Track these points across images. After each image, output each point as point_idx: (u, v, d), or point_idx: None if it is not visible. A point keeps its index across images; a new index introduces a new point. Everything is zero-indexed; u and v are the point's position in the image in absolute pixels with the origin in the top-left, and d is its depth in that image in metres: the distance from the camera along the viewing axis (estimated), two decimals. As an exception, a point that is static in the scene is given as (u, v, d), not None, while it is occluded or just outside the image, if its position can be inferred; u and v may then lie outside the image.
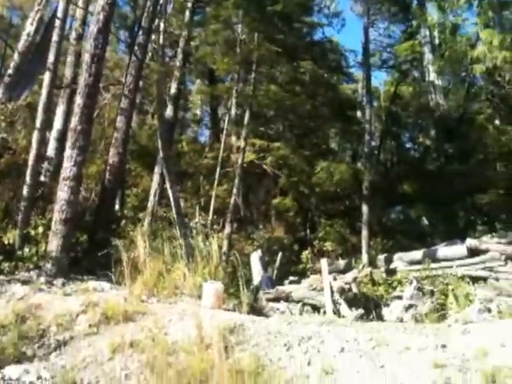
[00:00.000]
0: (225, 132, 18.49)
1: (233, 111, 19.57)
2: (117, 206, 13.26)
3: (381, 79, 34.99)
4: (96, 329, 6.02)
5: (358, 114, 21.45)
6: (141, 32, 11.87)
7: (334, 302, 9.26)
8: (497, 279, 9.81)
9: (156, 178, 14.32)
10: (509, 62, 15.99)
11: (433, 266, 10.73)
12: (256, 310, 8.16)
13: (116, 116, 11.98)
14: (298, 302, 9.90)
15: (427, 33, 20.24)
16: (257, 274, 11.70)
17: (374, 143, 21.88)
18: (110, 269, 7.54)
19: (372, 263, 12.27)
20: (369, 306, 9.44)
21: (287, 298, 9.99)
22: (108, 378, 5.27)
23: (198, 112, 28.88)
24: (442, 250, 11.63)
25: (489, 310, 8.60)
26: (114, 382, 5.20)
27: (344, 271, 11.65)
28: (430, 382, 4.76)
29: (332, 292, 9.42)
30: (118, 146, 11.20)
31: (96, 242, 9.34)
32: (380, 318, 9.25)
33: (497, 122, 18.36)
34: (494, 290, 9.40)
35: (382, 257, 12.73)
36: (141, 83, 14.44)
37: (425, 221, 18.11)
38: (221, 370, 4.95)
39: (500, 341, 5.31)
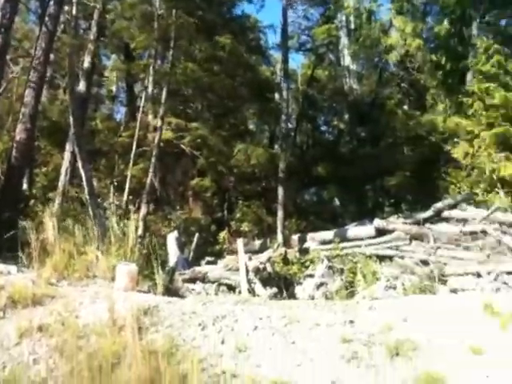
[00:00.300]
0: (141, 110, 17.99)
1: (150, 89, 19.04)
2: (25, 186, 12.59)
3: (299, 62, 35.43)
4: (2, 313, 5.71)
5: (276, 96, 21.64)
6: (52, 2, 11.24)
7: (249, 282, 9.39)
8: (402, 257, 10.37)
9: (67, 156, 13.72)
10: (421, 49, 16.82)
11: (343, 245, 11.15)
12: (171, 291, 8.08)
13: (24, 90, 11.33)
14: (214, 282, 9.95)
15: (343, 18, 20.71)
16: (173, 255, 11.58)
17: (290, 125, 22.24)
18: (17, 251, 7.15)
19: (286, 243, 12.55)
20: (282, 284, 9.67)
21: (203, 279, 10.00)
22: (15, 362, 5.03)
23: (114, 88, 27.88)
24: (352, 230, 12.11)
25: (394, 287, 9.10)
26: (21, 367, 4.97)
27: (259, 251, 11.80)
28: (338, 356, 4.97)
29: (247, 272, 9.55)
30: (26, 121, 10.63)
31: (2, 222, 8.85)
32: (293, 296, 9.52)
33: (405, 107, 19.27)
34: (400, 268, 9.93)
35: (295, 237, 13.04)
36: (52, 56, 13.72)
37: (337, 202, 18.73)
38: (134, 351, 4.87)
39: (403, 316, 5.65)
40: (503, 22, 19.78)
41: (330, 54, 22.13)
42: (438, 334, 5.16)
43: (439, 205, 11.92)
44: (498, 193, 13.19)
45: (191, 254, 12.66)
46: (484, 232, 10.45)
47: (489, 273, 8.72)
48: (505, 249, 9.80)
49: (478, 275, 8.87)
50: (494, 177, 13.97)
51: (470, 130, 15.05)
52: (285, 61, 14.56)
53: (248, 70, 19.22)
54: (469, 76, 16.09)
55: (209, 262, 11.83)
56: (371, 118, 17.99)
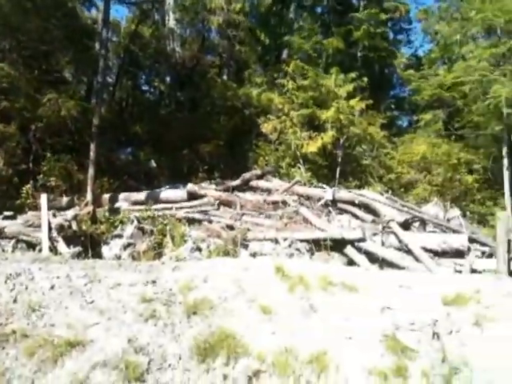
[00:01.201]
0: None
1: None
2: None
3: (123, 14, 33.86)
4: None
5: (97, 46, 20.40)
6: None
7: (52, 240, 8.92)
8: (210, 222, 10.81)
9: None
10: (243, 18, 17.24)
11: (155, 207, 11.20)
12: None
13: None
14: (12, 238, 9.24)
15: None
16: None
17: (110, 80, 21.26)
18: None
19: (96, 202, 12.11)
20: (88, 243, 9.37)
21: (0, 234, 9.23)
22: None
23: None
24: (165, 193, 12.19)
25: (200, 249, 9.47)
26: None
27: (66, 208, 11.23)
28: (137, 315, 5.04)
29: (50, 229, 9.05)
30: None
31: None
32: (99, 255, 9.29)
33: (225, 77, 19.78)
34: (207, 232, 10.33)
35: (107, 196, 12.68)
36: None
37: (153, 163, 18.59)
38: None
39: (204, 277, 5.93)
40: (319, 9, 21.44)
41: (156, 13, 21.52)
42: (232, 294, 5.55)
43: (248, 175, 12.67)
44: (299, 168, 14.41)
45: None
46: (284, 202, 11.41)
47: (285, 239, 9.55)
48: (301, 219, 10.84)
49: (276, 241, 9.66)
50: (298, 153, 15.24)
51: (282, 107, 16.12)
52: (106, 10, 13.72)
53: (66, 12, 17.70)
54: (284, 55, 17.09)
55: (7, 217, 10.88)
56: (191, 83, 18.09)
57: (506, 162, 14.05)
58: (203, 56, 20.13)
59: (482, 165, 16.27)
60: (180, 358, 4.72)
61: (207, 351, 4.73)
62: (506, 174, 13.89)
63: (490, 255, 8.97)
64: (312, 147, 15.04)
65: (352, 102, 15.53)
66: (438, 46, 20.17)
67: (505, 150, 14.35)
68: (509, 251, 7.86)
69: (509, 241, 8.07)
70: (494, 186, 15.35)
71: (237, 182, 12.51)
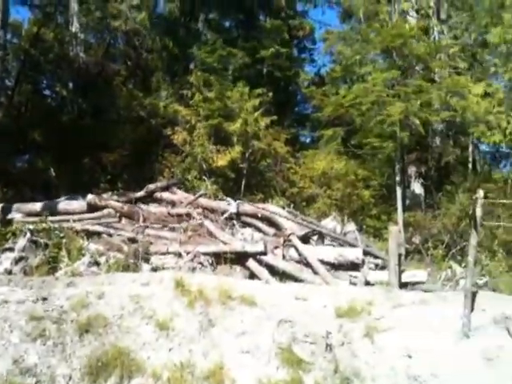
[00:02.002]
0: None
1: None
2: None
3: (25, 16, 32.16)
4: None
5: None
6: None
7: None
8: (110, 235, 10.46)
9: None
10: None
11: (52, 218, 10.65)
12: None
13: None
14: None
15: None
16: None
17: (9, 83, 20.11)
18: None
19: (-13, 212, 11.30)
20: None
21: None
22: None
23: None
24: (64, 204, 11.64)
25: (98, 264, 9.13)
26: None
27: (-49, 219, 10.39)
28: (24, 334, 4.77)
29: None
30: None
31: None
32: (-13, 270, 8.65)
33: (131, 86, 19.34)
34: (106, 245, 9.97)
35: (-1, 206, 11.88)
36: None
37: (52, 172, 17.75)
38: None
39: (99, 293, 5.73)
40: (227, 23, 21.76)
41: (59, 16, 20.67)
42: (129, 311, 5.41)
43: (152, 186, 12.43)
44: (205, 180, 14.40)
45: None
46: (189, 215, 11.33)
47: (188, 253, 9.47)
48: (205, 231, 10.80)
49: (179, 255, 9.56)
50: (204, 165, 15.24)
51: (189, 119, 16.08)
52: (5, 10, 12.99)
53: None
54: (192, 66, 17.09)
55: None
56: (95, 90, 17.53)
57: (398, 179, 14.95)
58: (108, 63, 19.57)
59: (378, 181, 17.21)
60: (70, 379, 4.54)
61: (99, 370, 4.58)
62: (398, 190, 14.77)
63: (383, 268, 9.46)
64: (222, 161, 15.10)
65: (257, 115, 15.81)
66: (340, 65, 21.14)
67: (397, 168, 15.29)
68: (399, 264, 8.36)
69: (399, 254, 8.60)
70: (388, 201, 16.27)
71: (140, 194, 12.22)
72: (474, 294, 6.23)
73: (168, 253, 9.66)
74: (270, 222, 11.14)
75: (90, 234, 10.35)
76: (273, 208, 11.55)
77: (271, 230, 10.88)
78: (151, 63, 17.71)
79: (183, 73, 17.07)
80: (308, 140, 23.21)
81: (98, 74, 18.61)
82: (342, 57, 20.46)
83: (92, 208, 11.26)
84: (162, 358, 4.91)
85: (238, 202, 11.87)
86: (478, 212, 5.98)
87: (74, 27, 18.90)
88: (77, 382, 4.52)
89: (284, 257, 9.88)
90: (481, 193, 6.07)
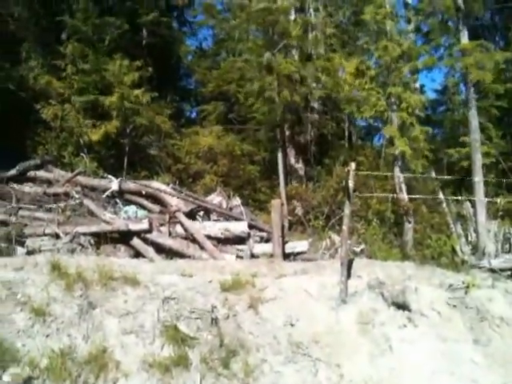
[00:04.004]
0: None
1: None
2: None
3: None
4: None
5: None
6: None
7: None
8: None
9: None
10: None
11: None
12: None
13: None
14: None
15: None
16: None
17: None
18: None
19: None
20: None
21: None
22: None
23: None
24: None
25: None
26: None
27: None
28: None
29: None
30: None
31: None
32: None
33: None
34: (-25, 229, 9.19)
35: None
36: None
37: None
38: None
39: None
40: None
41: None
42: (1, 298, 5.03)
43: (25, 164, 11.61)
44: (83, 157, 13.73)
45: None
46: (67, 194, 10.75)
47: (66, 234, 9.00)
48: (85, 211, 10.34)
49: (58, 236, 9.06)
50: (82, 141, 14.50)
51: (62, 92, 15.11)
52: None
53: None
54: (64, 36, 15.99)
55: None
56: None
57: (279, 154, 15.36)
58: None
59: (262, 156, 17.55)
60: None
61: (-32, 364, 4.22)
62: (280, 164, 15.18)
63: (268, 240, 9.71)
64: (95, 136, 14.42)
65: (137, 91, 15.28)
66: (220, 40, 21.03)
67: (278, 143, 15.71)
68: (283, 235, 8.63)
69: (283, 226, 8.86)
70: (272, 175, 16.68)
71: (12, 173, 11.35)
72: (350, 262, 6.61)
73: (45, 235, 9.13)
74: (155, 199, 10.95)
75: (-46, 218, 9.46)
76: (157, 185, 11.34)
77: (156, 208, 10.70)
78: (19, 32, 16.26)
79: (56, 43, 15.90)
80: (193, 115, 22.96)
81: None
82: (222, 32, 20.41)
83: (-44, 189, 10.28)
84: (38, 345, 4.63)
85: (120, 179, 11.49)
86: (350, 183, 6.31)
87: None
88: None
89: (170, 234, 9.77)
90: (352, 165, 6.40)
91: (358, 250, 9.56)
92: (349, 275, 6.29)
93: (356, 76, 14.83)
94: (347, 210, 6.36)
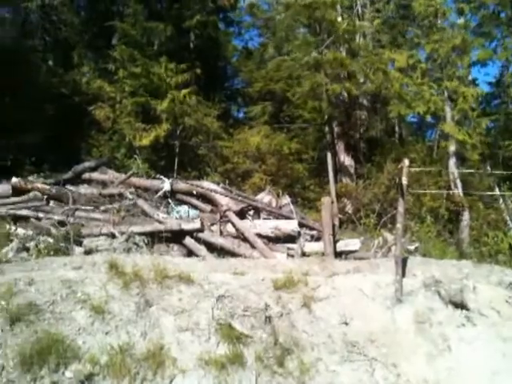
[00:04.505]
0: None
1: None
2: None
3: None
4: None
5: None
6: None
7: None
8: (39, 218, 10.01)
9: None
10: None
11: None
12: None
13: None
14: None
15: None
16: None
17: None
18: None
19: None
20: None
21: None
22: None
23: None
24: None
25: (27, 249, 8.71)
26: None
27: None
28: None
29: None
30: None
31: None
32: None
33: (50, 62, 18.33)
34: (36, 229, 9.55)
35: None
36: None
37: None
38: None
39: (29, 279, 5.46)
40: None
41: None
42: (62, 296, 5.20)
43: (80, 167, 12.01)
44: (136, 159, 14.05)
45: None
46: (121, 195, 11.05)
47: (122, 233, 9.25)
48: (138, 211, 10.58)
49: (113, 236, 9.31)
50: (134, 143, 14.85)
51: (113, 95, 15.50)
52: None
53: None
54: (114, 41, 16.41)
55: None
56: (12, 68, 16.43)
57: (328, 152, 15.25)
58: (24, 39, 18.40)
59: (311, 154, 17.47)
60: (3, 369, 4.33)
61: (33, 359, 4.39)
62: (329, 162, 15.06)
63: (318, 238, 9.65)
64: (145, 140, 14.71)
65: (184, 91, 15.48)
66: (268, 40, 21.07)
67: (327, 141, 15.60)
68: (334, 234, 8.55)
69: (333, 224, 8.79)
70: (321, 173, 16.57)
71: (68, 175, 11.78)
72: (404, 260, 6.47)
73: (101, 234, 9.40)
74: (206, 199, 11.08)
75: (17, 219, 9.88)
76: (208, 184, 11.47)
77: (207, 207, 10.83)
78: (72, 38, 16.83)
79: (106, 48, 16.36)
80: (241, 115, 23.09)
81: (14, 49, 17.47)
82: (269, 31, 20.44)
83: (17, 192, 10.73)
84: (98, 342, 4.77)
85: (171, 179, 11.70)
86: (404, 180, 6.17)
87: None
88: (11, 371, 4.32)
89: (221, 233, 9.88)
90: (406, 161, 6.26)
91: (411, 248, 9.34)
92: (404, 274, 6.17)
93: (406, 71, 14.52)
94: (401, 208, 6.23)
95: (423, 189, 12.69)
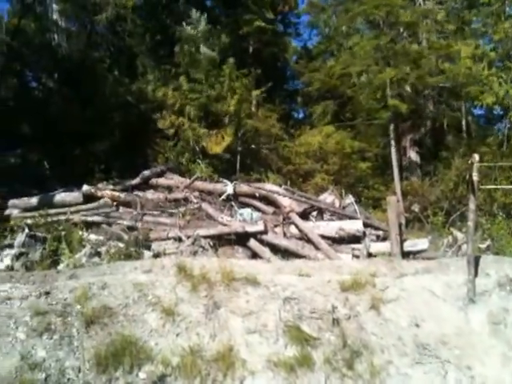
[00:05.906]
0: None
1: None
2: None
3: (4, 9, 31.55)
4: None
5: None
6: None
7: None
8: (109, 224, 10.40)
9: None
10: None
11: (49, 212, 10.54)
12: None
13: None
14: None
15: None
16: None
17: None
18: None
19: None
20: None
21: None
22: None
23: None
24: (59, 196, 11.54)
25: (99, 254, 9.07)
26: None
27: None
28: (30, 329, 4.74)
29: None
30: None
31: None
32: (-12, 268, 8.59)
33: (116, 72, 19.02)
34: (106, 235, 9.92)
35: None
36: None
37: (46, 165, 17.53)
38: None
39: (102, 283, 5.68)
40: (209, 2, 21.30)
41: (38, 6, 20.17)
42: (134, 299, 5.37)
43: (147, 173, 12.36)
44: (199, 163, 14.31)
45: None
46: (186, 199, 11.28)
47: (188, 237, 9.44)
48: (203, 214, 10.77)
49: (180, 239, 9.52)
50: (197, 148, 15.13)
51: (176, 101, 15.86)
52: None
53: None
54: (176, 49, 16.79)
55: None
56: (81, 79, 17.24)
57: (393, 149, 14.91)
58: (91, 50, 19.23)
59: (374, 152, 17.17)
60: (79, 371, 4.52)
61: (108, 361, 4.56)
62: (393, 159, 14.74)
63: (384, 238, 9.45)
64: (217, 148, 14.96)
65: (255, 92, 15.61)
66: (326, 38, 20.93)
67: (392, 137, 15.23)
68: (400, 233, 8.34)
69: (400, 224, 8.58)
70: (385, 171, 16.26)
71: (136, 181, 12.16)
72: (476, 259, 6.22)
73: (168, 238, 9.64)
74: (268, 201, 11.11)
75: (89, 225, 10.28)
76: (270, 187, 11.52)
77: (270, 209, 10.86)
78: (135, 48, 17.43)
79: (169, 55, 16.82)
80: (301, 116, 23.05)
81: (81, 62, 18.29)
82: (327, 29, 20.26)
83: (88, 199, 11.18)
84: (170, 343, 4.90)
85: (234, 182, 11.83)
86: (475, 176, 5.93)
87: (54, 15, 18.50)
88: (86, 373, 4.50)
89: (285, 234, 9.87)
90: (476, 157, 6.01)
91: (483, 246, 8.96)
92: (476, 273, 5.93)
93: (474, 61, 13.96)
94: (472, 205, 6.00)
95: (494, 184, 12.14)
